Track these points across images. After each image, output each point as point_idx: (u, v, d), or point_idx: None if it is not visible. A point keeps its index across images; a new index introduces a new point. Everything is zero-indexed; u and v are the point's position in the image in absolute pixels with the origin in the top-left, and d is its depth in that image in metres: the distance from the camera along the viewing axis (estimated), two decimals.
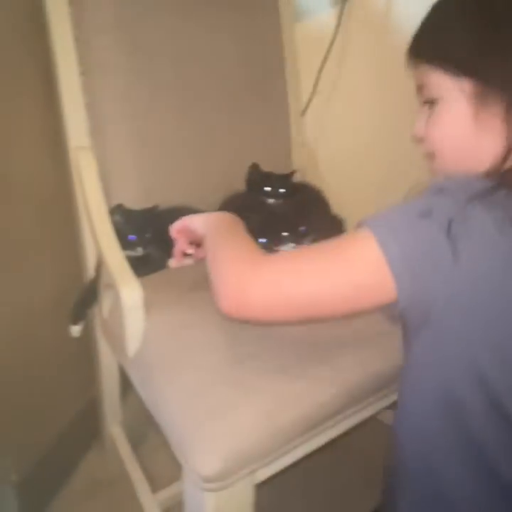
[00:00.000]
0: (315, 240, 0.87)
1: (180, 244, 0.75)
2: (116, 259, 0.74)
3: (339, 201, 1.09)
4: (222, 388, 0.55)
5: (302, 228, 0.84)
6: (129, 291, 0.68)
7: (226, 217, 0.65)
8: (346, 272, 0.44)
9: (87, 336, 0.96)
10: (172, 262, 0.89)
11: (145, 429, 1.20)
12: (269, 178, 1.03)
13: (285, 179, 1.05)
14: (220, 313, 0.48)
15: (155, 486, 0.93)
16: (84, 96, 0.84)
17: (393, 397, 0.69)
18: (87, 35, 0.83)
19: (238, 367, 0.58)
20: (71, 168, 0.84)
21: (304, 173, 1.16)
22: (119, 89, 0.88)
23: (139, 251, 0.84)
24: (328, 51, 1.27)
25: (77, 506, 1.04)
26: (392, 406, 0.67)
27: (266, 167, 1.08)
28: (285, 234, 0.83)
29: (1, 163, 0.85)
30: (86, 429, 1.16)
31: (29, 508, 0.97)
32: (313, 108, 1.29)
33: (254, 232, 0.87)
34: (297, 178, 1.14)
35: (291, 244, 0.84)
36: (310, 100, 1.28)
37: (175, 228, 0.73)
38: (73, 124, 0.83)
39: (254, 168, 1.03)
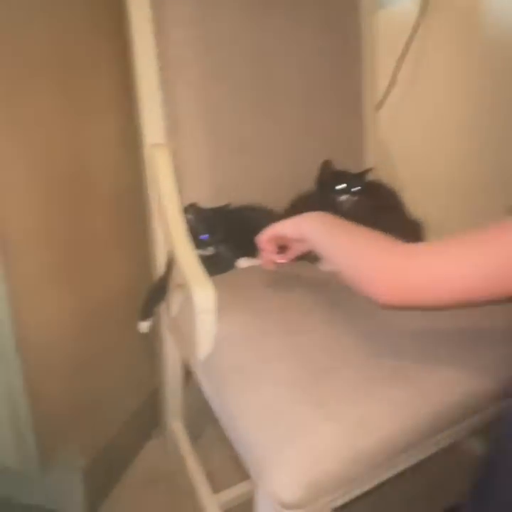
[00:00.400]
0: None
1: (270, 254, 0.74)
2: (189, 260, 0.73)
3: (415, 203, 1.03)
4: (302, 407, 0.52)
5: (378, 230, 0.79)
6: (202, 294, 0.67)
7: (323, 215, 0.65)
8: (500, 256, 0.45)
9: (153, 330, 0.97)
10: (241, 263, 0.88)
11: (203, 421, 1.21)
12: (342, 176, 0.98)
13: (359, 177, 1.00)
14: (377, 303, 0.51)
15: (214, 482, 0.93)
16: (162, 92, 0.83)
17: (481, 424, 0.63)
18: (167, 30, 0.82)
19: (318, 383, 0.55)
20: (146, 166, 0.84)
21: (378, 172, 1.11)
22: (196, 85, 0.87)
23: (210, 250, 0.83)
24: (410, 40, 1.19)
25: (138, 494, 1.07)
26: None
27: (338, 164, 1.03)
28: None
29: (81, 159, 0.86)
30: (147, 418, 1.19)
31: (94, 494, 1.00)
32: (389, 101, 1.22)
33: None
34: (371, 176, 1.09)
35: None
36: (387, 93, 1.21)
37: (264, 238, 0.72)
38: (150, 120, 0.83)
39: (327, 165, 0.99)
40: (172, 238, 0.76)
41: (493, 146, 1.24)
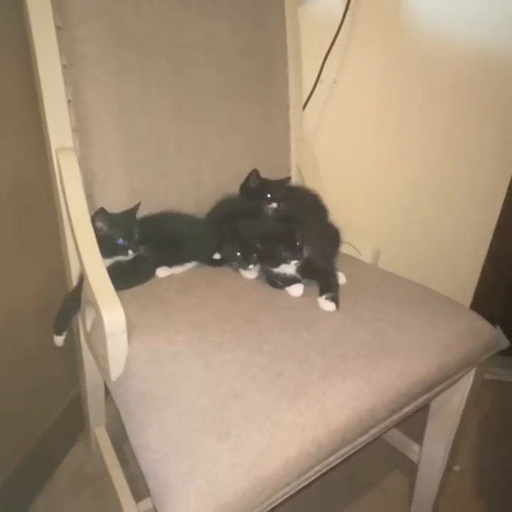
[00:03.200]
0: (314, 252, 0.82)
1: None
2: (98, 277, 0.68)
3: (336, 206, 1.03)
4: (205, 439, 0.51)
5: (298, 243, 0.79)
6: (111, 317, 0.63)
7: None
8: None
9: (73, 337, 0.92)
10: (160, 272, 0.85)
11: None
12: (266, 184, 0.97)
13: (281, 185, 0.99)
14: None
15: (137, 490, 0.92)
16: (67, 91, 0.76)
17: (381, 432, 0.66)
18: (70, 24, 0.75)
19: (225, 410, 0.55)
20: (52, 171, 0.78)
21: (303, 171, 1.10)
22: (106, 84, 0.80)
23: (130, 254, 0.79)
24: (335, 38, 1.17)
25: (63, 502, 1.04)
26: None
27: (265, 164, 1.01)
28: (285, 253, 0.78)
29: None
30: (72, 424, 1.15)
31: (14, 506, 0.96)
32: (315, 101, 1.21)
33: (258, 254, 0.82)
34: (294, 180, 1.08)
35: (294, 262, 0.79)
36: (312, 93, 1.19)
37: None
38: (54, 122, 0.76)
39: (255, 174, 0.97)
40: (79, 251, 0.71)
41: (418, 147, 1.28)
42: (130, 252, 0.79)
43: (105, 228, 0.78)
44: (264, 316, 0.73)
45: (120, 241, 0.78)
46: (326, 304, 0.76)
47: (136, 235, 0.80)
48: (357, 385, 0.62)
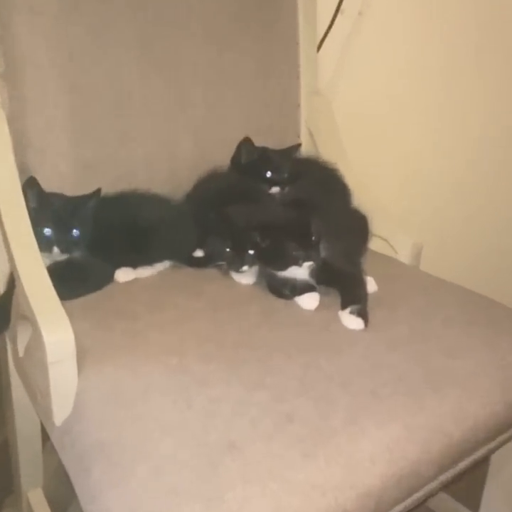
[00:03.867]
0: (334, 249, 0.83)
1: None
2: (36, 282, 0.68)
3: (363, 181, 1.04)
4: (188, 506, 0.50)
5: (313, 238, 0.79)
6: (54, 339, 0.63)
7: None
8: None
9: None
10: (120, 275, 0.85)
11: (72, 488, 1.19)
12: (267, 156, 0.97)
13: (287, 156, 1.00)
14: None
15: None
16: None
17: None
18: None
19: (213, 467, 0.54)
20: None
21: (316, 136, 1.11)
22: (45, 13, 0.80)
23: (56, 253, 0.79)
24: None
25: None
26: None
27: (264, 127, 1.03)
28: (297, 252, 0.78)
29: None
30: None
31: None
32: (331, 38, 1.21)
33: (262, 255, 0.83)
34: (305, 148, 1.09)
35: (307, 263, 0.79)
36: (330, 28, 1.20)
37: None
38: None
39: (246, 142, 0.98)
40: (9, 244, 0.71)
41: (470, 102, 1.29)
42: (56, 249, 0.79)
43: (33, 207, 0.77)
44: (265, 337, 0.74)
45: (46, 231, 0.78)
46: (350, 321, 0.77)
47: (76, 232, 0.80)
48: (395, 432, 0.62)
